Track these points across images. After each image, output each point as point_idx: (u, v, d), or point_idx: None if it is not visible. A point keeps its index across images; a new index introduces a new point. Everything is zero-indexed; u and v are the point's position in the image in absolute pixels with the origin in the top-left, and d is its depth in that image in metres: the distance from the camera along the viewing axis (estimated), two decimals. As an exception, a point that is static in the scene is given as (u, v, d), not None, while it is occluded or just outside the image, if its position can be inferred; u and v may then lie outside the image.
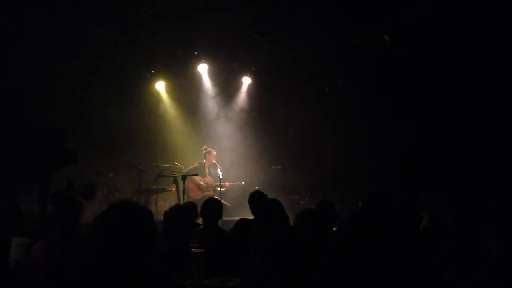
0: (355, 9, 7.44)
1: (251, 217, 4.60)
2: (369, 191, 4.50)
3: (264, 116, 9.46)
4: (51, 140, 5.78)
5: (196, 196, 7.97)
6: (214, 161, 8.37)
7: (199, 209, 4.42)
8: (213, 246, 3.42)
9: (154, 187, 8.01)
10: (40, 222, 5.06)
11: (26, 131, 5.68)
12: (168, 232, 3.62)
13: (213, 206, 4.21)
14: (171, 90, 9.51)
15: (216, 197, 5.33)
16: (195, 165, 8.38)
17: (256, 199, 4.71)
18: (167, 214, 3.78)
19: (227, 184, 8.31)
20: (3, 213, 3.69)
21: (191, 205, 4.91)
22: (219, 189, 8.02)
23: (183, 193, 7.31)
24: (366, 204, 4.40)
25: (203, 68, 9.38)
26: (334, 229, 4.45)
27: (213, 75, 9.51)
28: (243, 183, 8.44)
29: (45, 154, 5.63)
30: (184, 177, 7.33)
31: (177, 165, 8.39)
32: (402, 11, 7.32)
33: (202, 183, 8.32)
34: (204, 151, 8.48)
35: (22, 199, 4.93)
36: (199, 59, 9.24)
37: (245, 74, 9.61)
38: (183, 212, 3.87)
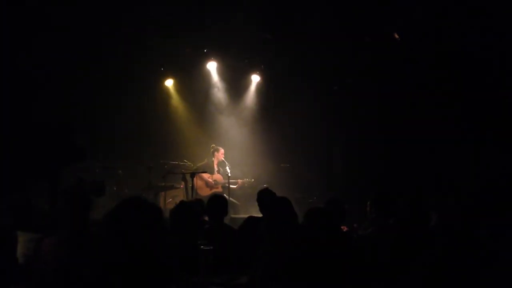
0: (365, 7, 7.40)
1: (260, 215, 4.61)
2: (376, 192, 4.48)
3: (273, 114, 9.45)
4: (61, 137, 5.82)
5: (204, 193, 7.99)
6: (223, 159, 8.39)
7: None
8: (221, 243, 3.42)
9: (163, 184, 8.03)
10: (50, 218, 5.09)
11: (36, 127, 5.73)
12: (176, 229, 3.62)
13: (218, 203, 4.21)
14: (180, 88, 9.53)
15: (223, 194, 5.33)
16: (203, 163, 8.40)
17: (264, 197, 4.71)
18: (174, 211, 3.78)
19: (239, 181, 8.33)
20: (13, 208, 3.73)
21: (198, 202, 4.91)
22: (228, 186, 8.04)
23: (192, 190, 7.33)
24: (374, 206, 4.38)
25: (212, 66, 9.38)
26: (343, 227, 4.45)
27: (222, 72, 9.51)
28: (252, 179, 8.45)
29: (55, 150, 5.66)
30: (192, 174, 7.36)
31: (186, 162, 8.41)
32: (413, 10, 7.27)
33: (210, 180, 8.34)
34: (212, 149, 8.50)
35: (33, 195, 4.96)
36: (208, 57, 9.25)
37: (254, 72, 9.60)
38: (190, 209, 3.87)
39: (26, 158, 5.46)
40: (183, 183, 7.90)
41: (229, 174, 8.04)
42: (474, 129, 7.00)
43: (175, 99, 9.55)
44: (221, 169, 8.46)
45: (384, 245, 3.16)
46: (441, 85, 7.47)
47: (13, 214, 3.66)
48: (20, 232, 3.21)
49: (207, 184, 8.32)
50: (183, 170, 7.95)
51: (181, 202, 4.08)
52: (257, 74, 9.61)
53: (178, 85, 9.52)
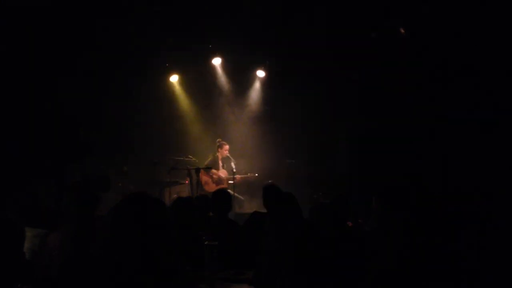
0: (371, 2, 7.36)
1: (265, 210, 4.61)
2: (382, 186, 4.45)
3: (278, 109, 9.43)
4: (66, 133, 5.85)
5: (210, 189, 8.00)
6: (228, 154, 8.40)
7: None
8: (226, 239, 3.42)
9: (168, 179, 8.05)
10: (56, 213, 5.12)
11: (42, 124, 5.76)
12: (181, 224, 3.62)
13: (222, 198, 4.21)
14: (185, 83, 9.53)
15: (226, 189, 5.33)
16: (209, 159, 8.41)
17: (269, 193, 4.71)
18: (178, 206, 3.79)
19: (237, 177, 8.31)
20: (20, 204, 3.74)
21: (203, 198, 4.91)
22: (233, 181, 8.05)
23: (197, 186, 7.35)
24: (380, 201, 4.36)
25: (217, 61, 9.38)
26: (348, 223, 4.44)
27: (227, 68, 9.50)
28: (256, 174, 8.46)
29: (61, 146, 5.69)
30: (197, 170, 7.37)
31: (191, 158, 8.42)
32: (420, 5, 7.23)
33: (215, 176, 8.35)
34: (217, 144, 8.51)
35: (39, 191, 4.98)
36: (213, 52, 9.24)
37: (259, 67, 9.58)
38: (192, 204, 3.88)
39: (32, 154, 5.49)
40: (188, 178, 7.91)
41: (234, 170, 8.05)
42: (481, 126, 6.95)
43: (180, 95, 9.55)
44: (225, 164, 8.47)
45: (391, 240, 3.15)
46: (448, 81, 7.42)
47: (19, 210, 3.68)
48: (26, 228, 3.22)
49: (212, 179, 8.33)
50: (188, 166, 7.96)
51: (178, 198, 4.09)
52: (262, 69, 9.59)
53: (183, 81, 9.51)
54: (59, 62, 7.46)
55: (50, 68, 7.34)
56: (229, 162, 8.29)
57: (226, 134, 9.10)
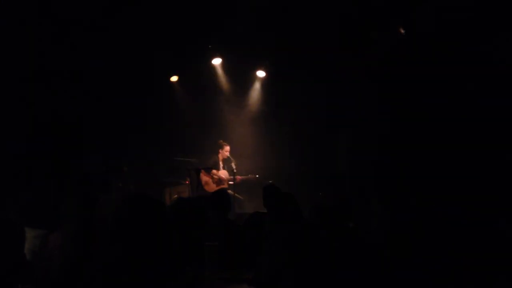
0: (371, 3, 7.36)
1: (265, 210, 4.61)
2: (382, 186, 4.46)
3: (278, 109, 9.44)
4: (66, 133, 5.85)
5: (210, 189, 8.02)
6: (228, 155, 8.40)
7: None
8: (226, 239, 3.43)
9: (168, 180, 8.05)
10: (56, 214, 5.12)
11: (42, 124, 5.76)
12: (181, 225, 3.63)
13: (222, 198, 4.21)
14: (185, 84, 9.54)
15: (226, 189, 5.34)
16: (209, 159, 8.42)
17: (270, 193, 4.72)
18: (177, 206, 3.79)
19: (238, 177, 8.32)
20: (21, 204, 3.75)
21: (202, 198, 4.92)
22: (233, 182, 8.06)
23: (197, 186, 7.35)
24: (380, 201, 4.36)
25: (217, 61, 9.38)
26: (349, 224, 4.44)
27: (227, 68, 9.51)
28: (257, 175, 8.47)
29: (60, 146, 5.69)
30: (198, 171, 7.38)
31: (191, 158, 8.43)
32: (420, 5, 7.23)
33: (216, 176, 8.36)
34: (218, 145, 8.52)
35: (39, 191, 4.98)
36: (213, 53, 9.24)
37: (260, 67, 9.59)
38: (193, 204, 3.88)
39: (32, 154, 5.49)
40: (188, 179, 7.92)
41: (235, 170, 8.06)
42: (481, 126, 6.95)
43: (180, 95, 9.55)
44: (226, 165, 8.48)
45: (391, 240, 3.16)
46: (448, 81, 7.41)
47: (19, 210, 3.69)
48: (27, 228, 3.23)
49: (213, 180, 8.34)
50: (188, 166, 7.97)
51: (179, 198, 4.10)
52: (262, 69, 9.60)
53: (183, 81, 9.52)
54: (59, 62, 7.46)
55: (50, 67, 7.34)
56: (229, 163, 8.30)
57: (226, 134, 9.10)
